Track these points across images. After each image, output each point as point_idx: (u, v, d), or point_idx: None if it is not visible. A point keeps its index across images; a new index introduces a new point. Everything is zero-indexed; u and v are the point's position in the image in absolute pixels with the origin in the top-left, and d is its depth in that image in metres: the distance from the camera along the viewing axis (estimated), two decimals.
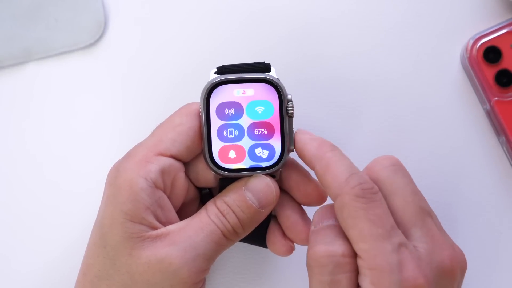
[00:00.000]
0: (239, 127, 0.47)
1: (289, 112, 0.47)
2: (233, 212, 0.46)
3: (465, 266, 0.45)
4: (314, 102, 0.57)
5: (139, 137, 0.49)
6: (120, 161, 0.47)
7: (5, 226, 0.56)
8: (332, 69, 0.57)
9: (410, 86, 0.57)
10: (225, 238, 0.46)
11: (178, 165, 0.47)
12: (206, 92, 0.46)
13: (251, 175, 0.47)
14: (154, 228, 0.45)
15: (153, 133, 0.48)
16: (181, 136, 0.47)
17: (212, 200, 0.47)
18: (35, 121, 0.57)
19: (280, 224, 0.49)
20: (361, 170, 0.45)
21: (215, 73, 0.47)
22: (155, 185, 0.46)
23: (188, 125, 0.47)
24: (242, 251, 0.55)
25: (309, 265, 0.43)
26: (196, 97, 0.47)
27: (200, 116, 0.47)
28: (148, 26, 0.58)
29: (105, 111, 0.57)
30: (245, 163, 0.47)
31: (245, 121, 0.47)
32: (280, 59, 0.56)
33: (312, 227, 0.45)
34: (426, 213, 0.44)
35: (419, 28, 0.58)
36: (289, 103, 0.47)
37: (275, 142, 0.47)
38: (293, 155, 0.47)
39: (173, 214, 0.47)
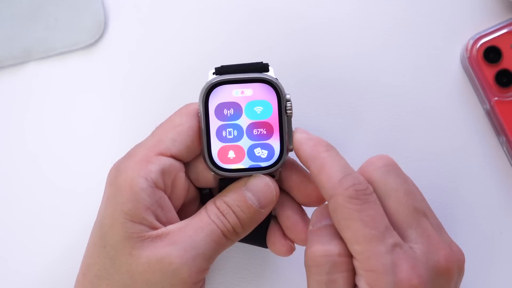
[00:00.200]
0: (238, 127, 0.47)
1: (288, 112, 0.47)
2: (233, 212, 0.46)
3: (462, 265, 0.45)
4: (313, 102, 0.57)
5: (139, 137, 0.49)
6: (121, 161, 0.47)
7: (5, 226, 0.56)
8: (332, 69, 0.57)
9: (410, 86, 0.57)
10: (225, 238, 0.46)
11: (178, 165, 0.47)
12: (204, 92, 0.46)
13: (250, 175, 0.47)
14: (154, 228, 0.45)
15: (153, 133, 0.48)
16: (181, 136, 0.47)
17: (212, 200, 0.47)
18: (35, 121, 0.57)
19: (280, 224, 0.49)
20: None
21: (213, 73, 0.47)
22: (156, 185, 0.46)
23: (188, 125, 0.47)
24: (242, 251, 0.55)
25: (306, 265, 0.43)
26: (197, 97, 0.47)
27: (199, 117, 0.47)
28: (148, 26, 0.58)
29: (105, 111, 0.57)
30: (245, 163, 0.47)
31: (244, 121, 0.47)
32: (279, 59, 0.56)
33: (310, 227, 0.45)
34: (421, 213, 0.44)
35: (419, 28, 0.58)
36: (287, 102, 0.47)
37: (274, 142, 0.47)
38: (293, 155, 0.47)
39: (173, 214, 0.47)
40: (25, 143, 0.57)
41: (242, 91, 0.46)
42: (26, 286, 0.55)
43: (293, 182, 0.49)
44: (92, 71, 0.57)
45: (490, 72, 0.55)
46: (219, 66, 0.47)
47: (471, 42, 0.55)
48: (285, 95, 0.47)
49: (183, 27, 0.58)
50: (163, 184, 0.46)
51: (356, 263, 0.42)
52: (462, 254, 0.45)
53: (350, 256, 0.42)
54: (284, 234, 0.49)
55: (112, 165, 0.47)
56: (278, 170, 0.47)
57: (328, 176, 0.43)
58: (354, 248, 0.42)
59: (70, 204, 0.56)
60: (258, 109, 0.47)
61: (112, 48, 0.58)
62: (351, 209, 0.42)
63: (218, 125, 0.47)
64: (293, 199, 0.49)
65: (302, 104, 0.56)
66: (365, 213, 0.42)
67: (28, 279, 0.55)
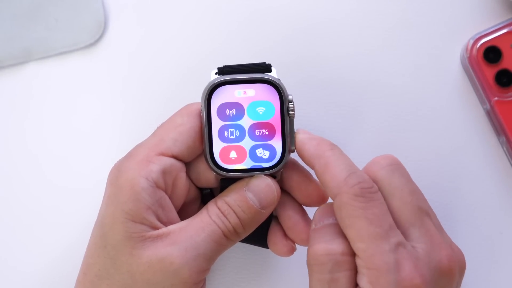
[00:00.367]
0: (240, 128, 0.47)
1: (290, 112, 0.47)
2: (234, 212, 0.46)
3: (463, 265, 0.45)
4: (314, 102, 0.57)
5: (139, 137, 0.49)
6: (121, 160, 0.47)
7: (6, 226, 0.56)
8: (332, 69, 0.57)
9: (410, 86, 0.57)
10: (226, 238, 0.46)
11: (179, 165, 0.47)
12: (207, 92, 0.46)
13: (252, 176, 0.47)
14: (155, 228, 0.45)
15: (154, 133, 0.48)
16: (182, 136, 0.47)
17: (213, 200, 0.47)
18: (35, 121, 0.57)
19: (281, 225, 0.49)
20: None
21: (216, 73, 0.47)
22: (157, 185, 0.46)
23: (189, 125, 0.47)
24: (243, 251, 0.55)
25: (309, 264, 0.43)
26: (197, 97, 0.47)
27: (201, 117, 0.47)
28: (148, 26, 0.58)
29: (105, 111, 0.57)
30: (246, 164, 0.47)
31: (246, 122, 0.47)
32: (280, 59, 0.56)
33: (313, 226, 0.45)
34: (424, 213, 0.44)
35: (419, 28, 0.58)
36: (290, 103, 0.47)
37: (276, 143, 0.47)
38: (294, 155, 0.47)
39: (174, 214, 0.47)
40: (25, 143, 0.57)
41: (245, 91, 0.46)
42: (26, 286, 0.55)
43: (294, 182, 0.49)
44: (92, 71, 0.57)
45: (490, 72, 0.55)
46: (222, 66, 0.47)
47: (471, 42, 0.55)
48: (287, 96, 0.47)
49: (183, 27, 0.58)
50: (164, 184, 0.46)
51: (358, 261, 0.42)
52: (463, 255, 0.45)
53: (353, 255, 0.42)
54: (285, 234, 0.49)
55: (112, 165, 0.47)
56: (279, 171, 0.47)
57: (333, 174, 0.43)
58: (358, 246, 0.42)
59: (70, 204, 0.56)
60: (261, 110, 0.47)
61: (112, 48, 0.58)
62: (356, 206, 0.42)
63: (220, 125, 0.47)
64: (294, 199, 0.49)
65: (302, 104, 0.56)
66: (370, 211, 0.42)
67: (28, 279, 0.55)
